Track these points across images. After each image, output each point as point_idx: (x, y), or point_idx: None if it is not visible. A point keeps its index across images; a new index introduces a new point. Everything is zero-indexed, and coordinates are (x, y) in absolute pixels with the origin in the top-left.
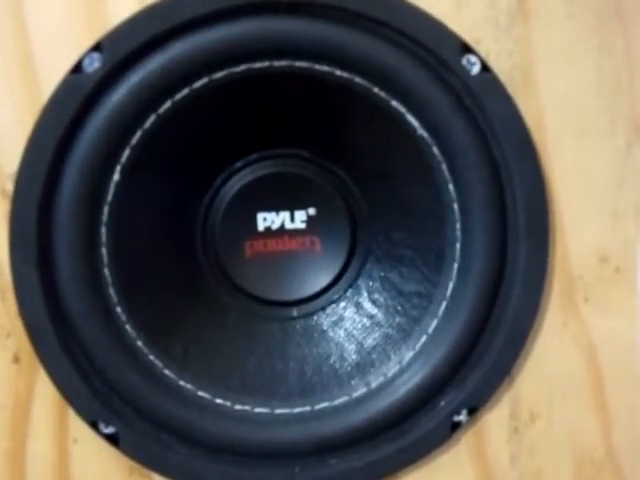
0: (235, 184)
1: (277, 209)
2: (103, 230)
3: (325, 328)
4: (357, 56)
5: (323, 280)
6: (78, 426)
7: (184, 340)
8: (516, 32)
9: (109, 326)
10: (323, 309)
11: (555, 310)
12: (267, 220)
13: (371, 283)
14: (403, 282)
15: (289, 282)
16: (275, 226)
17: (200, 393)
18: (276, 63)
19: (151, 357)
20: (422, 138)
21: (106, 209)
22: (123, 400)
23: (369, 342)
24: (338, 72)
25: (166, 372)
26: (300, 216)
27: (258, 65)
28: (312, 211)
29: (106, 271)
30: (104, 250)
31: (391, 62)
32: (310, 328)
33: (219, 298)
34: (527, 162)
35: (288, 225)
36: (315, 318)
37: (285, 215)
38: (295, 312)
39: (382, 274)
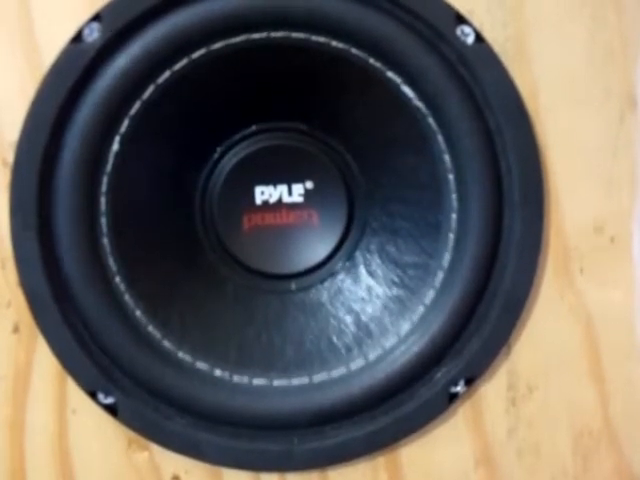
0: (233, 157)
1: (275, 182)
2: (102, 200)
3: (323, 301)
4: (353, 27)
5: (321, 253)
6: (77, 397)
7: (182, 311)
8: (509, 3)
9: (108, 296)
10: (321, 282)
11: (551, 280)
12: (265, 194)
13: (368, 255)
14: (400, 253)
15: (287, 255)
16: (273, 200)
17: (198, 364)
18: (273, 34)
19: (150, 327)
20: (418, 109)
21: (105, 179)
22: (122, 370)
23: (367, 314)
24: (334, 43)
25: (165, 343)
26: (298, 189)
27: (256, 36)
28: (309, 184)
29: (105, 241)
30: (103, 220)
31: (387, 33)
32: (308, 301)
33: (217, 270)
34: (521, 131)
35: (286, 199)
36: (313, 291)
37: (283, 188)
38: (293, 285)
39: (379, 246)
